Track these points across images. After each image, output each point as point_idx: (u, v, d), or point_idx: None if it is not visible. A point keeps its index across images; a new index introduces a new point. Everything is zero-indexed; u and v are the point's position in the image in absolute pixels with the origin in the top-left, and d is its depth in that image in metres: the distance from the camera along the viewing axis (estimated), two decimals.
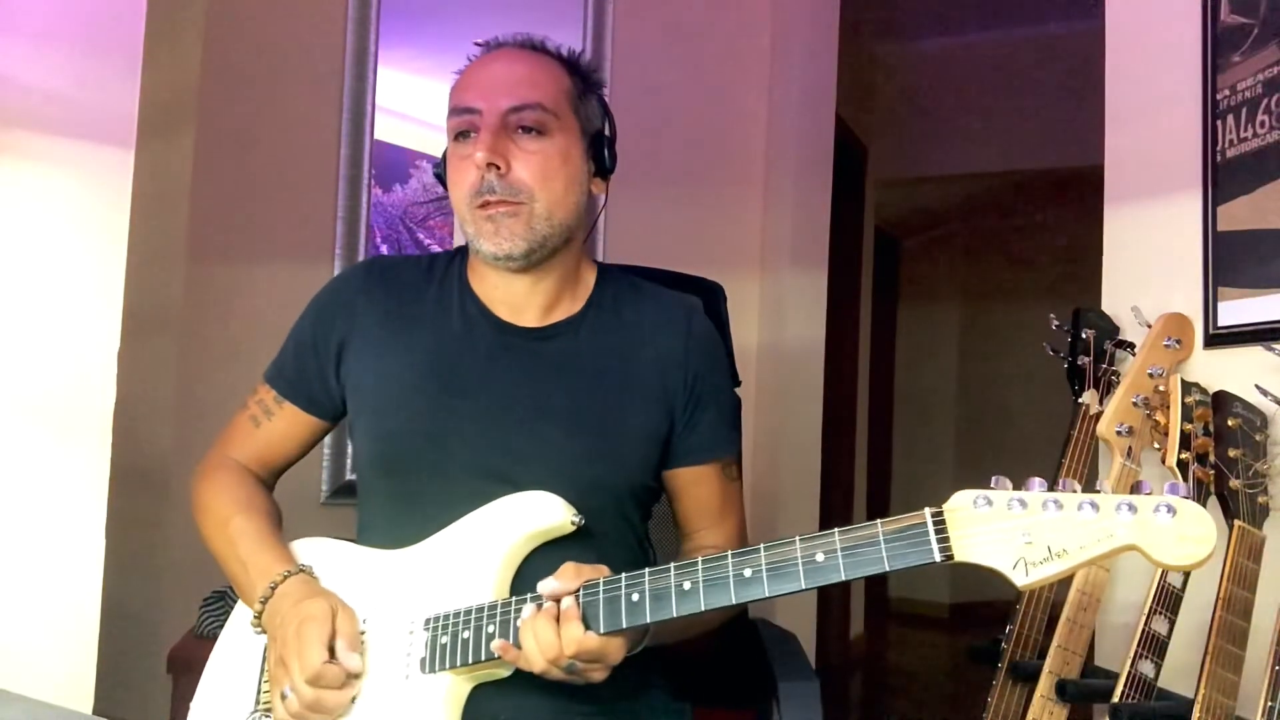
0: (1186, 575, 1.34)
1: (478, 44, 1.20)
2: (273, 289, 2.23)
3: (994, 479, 0.88)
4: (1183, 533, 0.81)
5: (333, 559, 1.15)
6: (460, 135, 1.14)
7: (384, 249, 2.38)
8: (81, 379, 1.41)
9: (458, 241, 2.50)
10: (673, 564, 0.96)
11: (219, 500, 1.20)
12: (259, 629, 1.10)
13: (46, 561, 1.39)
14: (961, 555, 0.85)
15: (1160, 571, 1.32)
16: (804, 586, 0.90)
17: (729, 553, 0.94)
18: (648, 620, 0.95)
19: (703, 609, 0.93)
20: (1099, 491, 0.85)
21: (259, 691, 1.10)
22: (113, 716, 1.40)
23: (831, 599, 3.98)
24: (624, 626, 0.96)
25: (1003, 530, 0.84)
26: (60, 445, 1.40)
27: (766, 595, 0.91)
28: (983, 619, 3.87)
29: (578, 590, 0.97)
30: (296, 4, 2.33)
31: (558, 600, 0.97)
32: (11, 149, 1.38)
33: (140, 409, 1.83)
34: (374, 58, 2.37)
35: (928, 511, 0.87)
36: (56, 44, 1.41)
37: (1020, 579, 0.84)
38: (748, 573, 0.92)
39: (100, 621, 1.43)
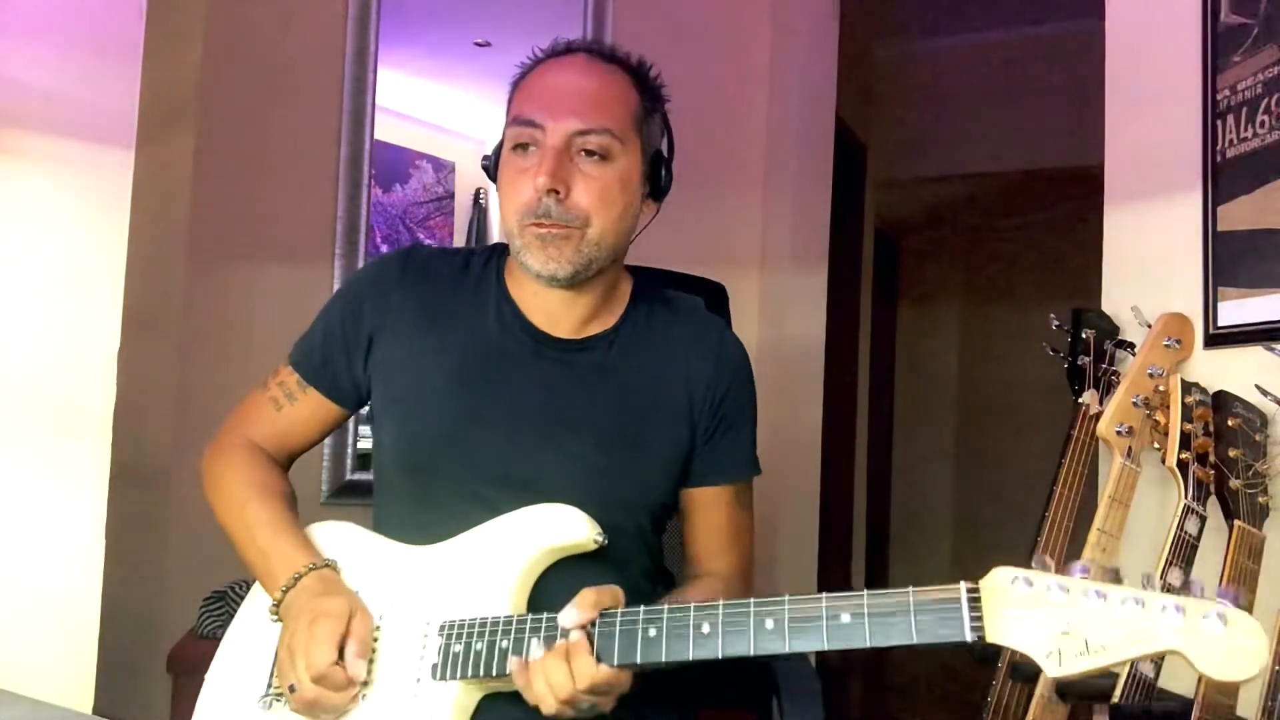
0: (1186, 575, 1.34)
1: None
2: (273, 289, 2.23)
3: (1034, 558, 0.85)
4: (1232, 644, 0.77)
5: (354, 548, 1.14)
6: (519, 145, 1.12)
7: (384, 249, 2.38)
8: (81, 379, 1.41)
9: (458, 241, 2.51)
10: (693, 603, 0.94)
11: (235, 482, 1.19)
12: (276, 617, 1.09)
13: (46, 561, 1.39)
14: (994, 636, 0.82)
15: (1160, 571, 1.32)
16: (827, 647, 0.88)
17: (751, 601, 0.91)
18: (663, 660, 0.93)
19: (720, 656, 0.91)
20: (1146, 588, 0.81)
21: (271, 676, 1.09)
22: (113, 716, 1.40)
23: None
24: (638, 662, 0.94)
25: (1041, 616, 0.81)
26: (60, 445, 1.40)
27: (787, 650, 0.89)
28: None
29: (593, 620, 0.95)
30: (297, 4, 2.33)
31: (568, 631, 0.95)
32: (11, 149, 1.38)
33: (140, 409, 1.82)
34: (374, 58, 2.36)
35: (963, 586, 0.84)
36: (56, 44, 1.41)
37: (1053, 669, 0.80)
38: (769, 624, 0.89)
39: (100, 621, 1.43)
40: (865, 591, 0.87)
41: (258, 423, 1.24)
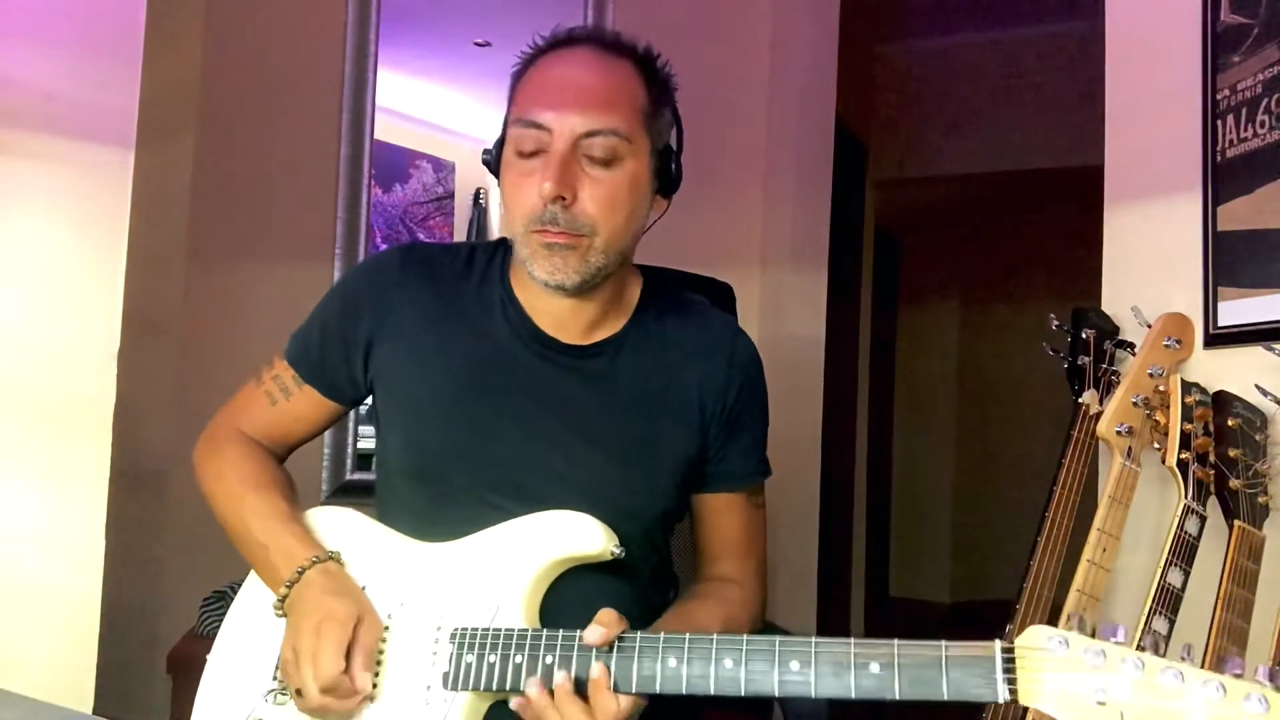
0: (1186, 575, 1.34)
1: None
2: (273, 289, 2.23)
3: (1070, 616, 0.83)
4: None
5: (360, 539, 1.12)
6: (524, 147, 1.07)
7: (384, 249, 2.38)
8: (81, 380, 1.41)
9: (458, 240, 2.51)
10: (716, 636, 0.91)
11: (231, 475, 1.16)
12: (281, 613, 1.06)
13: (46, 561, 1.39)
14: (1028, 699, 0.80)
15: (1160, 570, 1.32)
16: (854, 697, 0.85)
17: (777, 639, 0.89)
18: (683, 691, 0.90)
19: (743, 694, 0.88)
20: (1186, 660, 0.78)
21: (276, 670, 1.08)
22: (113, 716, 1.40)
23: (831, 597, 3.97)
24: (658, 691, 0.91)
25: (1077, 681, 0.79)
26: (60, 445, 1.40)
27: (814, 695, 0.86)
28: (983, 618, 3.86)
29: (618, 636, 0.93)
30: (296, 4, 2.33)
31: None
32: (11, 149, 1.38)
33: (140, 409, 1.82)
34: (374, 58, 2.36)
35: (998, 645, 0.82)
36: (56, 44, 1.41)
37: None
38: (795, 665, 0.87)
39: (100, 621, 1.43)
40: (896, 641, 0.85)
41: (252, 416, 1.22)
